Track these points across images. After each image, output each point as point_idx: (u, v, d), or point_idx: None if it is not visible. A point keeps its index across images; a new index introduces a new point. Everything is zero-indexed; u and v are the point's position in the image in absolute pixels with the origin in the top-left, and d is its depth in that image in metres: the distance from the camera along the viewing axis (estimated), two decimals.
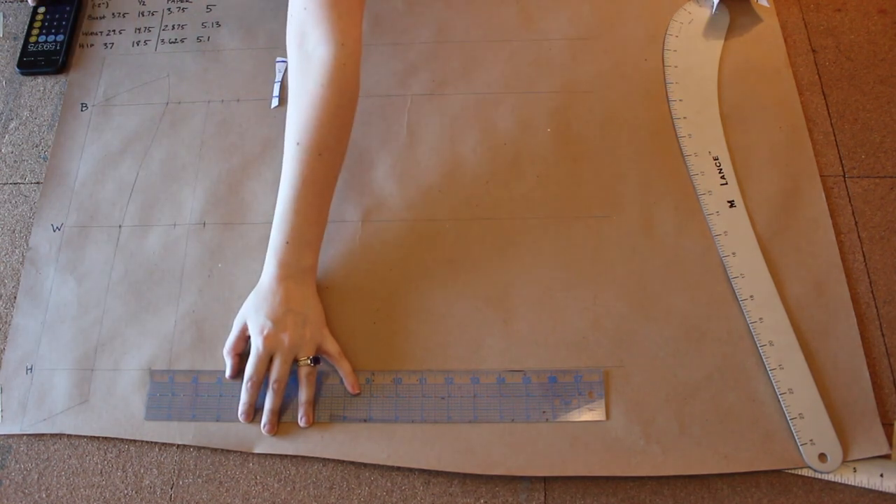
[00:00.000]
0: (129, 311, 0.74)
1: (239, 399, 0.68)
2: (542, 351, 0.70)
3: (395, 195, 0.78)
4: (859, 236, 0.74)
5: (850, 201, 0.75)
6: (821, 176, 0.76)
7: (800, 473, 0.64)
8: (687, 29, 0.85)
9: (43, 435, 0.70)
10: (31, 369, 0.72)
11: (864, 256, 0.73)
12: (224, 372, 0.70)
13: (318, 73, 0.69)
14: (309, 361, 0.68)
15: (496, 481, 0.65)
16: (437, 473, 0.66)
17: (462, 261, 0.74)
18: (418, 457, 0.66)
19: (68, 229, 0.79)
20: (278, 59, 0.86)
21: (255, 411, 0.68)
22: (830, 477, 0.64)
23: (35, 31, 0.90)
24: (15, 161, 0.84)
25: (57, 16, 0.91)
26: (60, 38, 0.90)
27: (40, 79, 0.89)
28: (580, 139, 0.79)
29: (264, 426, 0.67)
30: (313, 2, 0.69)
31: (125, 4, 0.92)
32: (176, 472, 0.67)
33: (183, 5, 0.92)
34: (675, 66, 0.83)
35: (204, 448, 0.68)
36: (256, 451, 0.67)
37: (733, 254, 0.72)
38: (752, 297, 0.70)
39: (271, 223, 0.69)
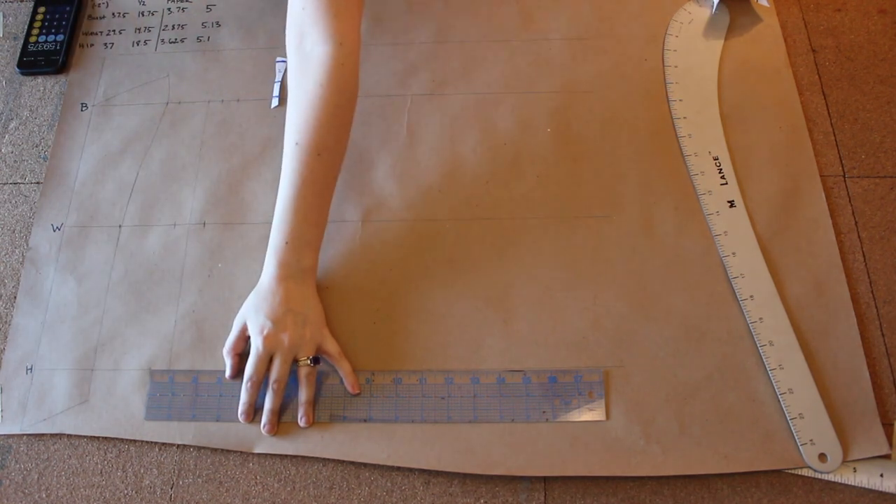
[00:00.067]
0: (129, 311, 0.74)
1: (239, 399, 0.68)
2: (542, 351, 0.70)
3: (395, 195, 0.78)
4: (859, 236, 0.74)
5: (850, 201, 0.75)
6: (821, 176, 0.76)
7: (800, 473, 0.64)
8: (687, 29, 0.85)
9: (43, 435, 0.70)
10: (31, 369, 0.72)
11: (864, 256, 0.73)
12: (224, 372, 0.70)
13: (316, 73, 0.69)
14: (309, 361, 0.68)
15: (496, 481, 0.65)
16: (437, 473, 0.66)
17: (462, 261, 0.74)
18: (418, 457, 0.66)
19: (68, 229, 0.79)
20: (278, 59, 0.86)
21: (255, 411, 0.68)
22: (830, 477, 0.64)
23: (35, 31, 0.91)
24: (15, 161, 0.84)
25: (57, 16, 0.91)
26: (60, 38, 0.90)
27: (40, 79, 0.89)
28: (580, 139, 0.79)
29: (264, 426, 0.67)
30: (311, 2, 0.69)
31: (125, 4, 0.92)
32: (176, 472, 0.67)
33: (183, 5, 0.92)
34: (675, 66, 0.83)
35: (204, 448, 0.68)
36: (256, 451, 0.67)
37: (733, 254, 0.72)
38: (752, 297, 0.70)
39: (271, 223, 0.69)
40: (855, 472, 0.64)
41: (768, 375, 0.67)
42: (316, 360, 0.69)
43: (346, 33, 0.70)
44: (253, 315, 0.68)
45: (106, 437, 0.69)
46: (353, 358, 0.70)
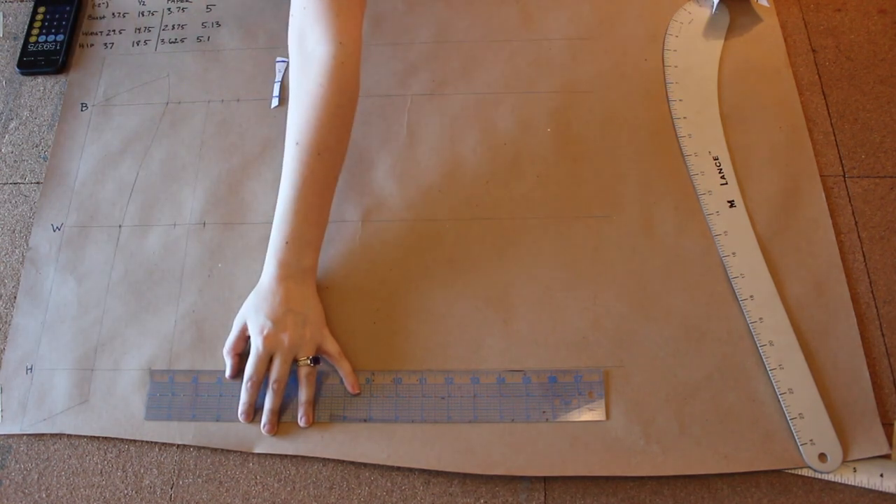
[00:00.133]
0: (129, 311, 0.74)
1: (239, 399, 0.68)
2: (542, 351, 0.70)
3: (395, 195, 0.78)
4: (859, 236, 0.74)
5: (850, 201, 0.75)
6: (821, 176, 0.76)
7: (800, 473, 0.64)
8: (687, 29, 0.85)
9: (43, 435, 0.70)
10: (31, 369, 0.72)
11: (864, 256, 0.73)
12: (224, 372, 0.70)
13: (316, 73, 0.69)
14: (309, 361, 0.68)
15: (496, 481, 0.65)
16: (437, 473, 0.66)
17: (462, 261, 0.74)
18: (418, 457, 0.66)
19: (68, 229, 0.79)
20: (278, 59, 0.86)
21: (255, 411, 0.68)
22: (830, 477, 0.64)
23: (35, 31, 0.91)
24: (15, 161, 0.84)
25: (57, 16, 0.91)
26: (60, 38, 0.90)
27: (40, 79, 0.89)
28: (580, 139, 0.79)
29: (264, 426, 0.67)
30: (313, 2, 0.70)
31: (125, 4, 0.92)
32: (176, 472, 0.67)
33: (183, 5, 0.92)
34: (675, 66, 0.83)
35: (204, 448, 0.68)
36: (256, 451, 0.67)
37: (733, 254, 0.72)
38: (752, 297, 0.70)
39: (271, 223, 0.69)
40: (855, 472, 0.64)
41: (768, 375, 0.67)
42: (316, 360, 0.69)
43: (348, 33, 0.70)
44: (253, 315, 0.68)
45: (106, 437, 0.69)
46: (353, 358, 0.70)
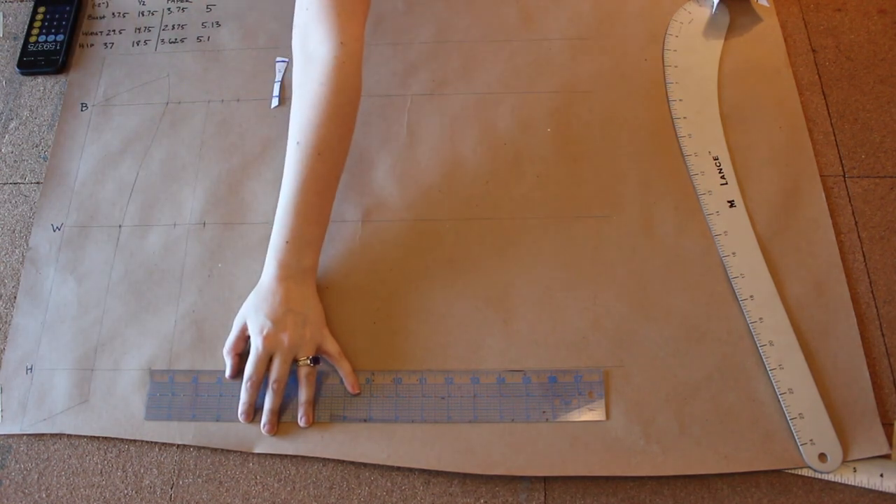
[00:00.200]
0: (129, 311, 0.74)
1: (239, 399, 0.68)
2: (542, 351, 0.70)
3: (395, 195, 0.78)
4: (859, 236, 0.74)
5: (850, 201, 0.75)
6: (821, 176, 0.76)
7: (800, 473, 0.64)
8: (687, 29, 0.85)
9: (43, 435, 0.70)
10: (31, 369, 0.72)
11: (864, 256, 0.73)
12: (224, 372, 0.70)
13: (318, 73, 0.69)
14: (308, 361, 0.68)
15: (496, 481, 0.65)
16: (437, 473, 0.66)
17: (462, 261, 0.74)
18: (418, 457, 0.66)
19: (68, 229, 0.79)
20: (278, 59, 0.86)
21: (254, 411, 0.68)
22: (830, 477, 0.64)
23: (35, 31, 0.91)
24: (15, 161, 0.84)
25: (57, 16, 0.91)
26: (60, 38, 0.90)
27: (40, 79, 0.89)
28: (580, 139, 0.79)
29: (264, 426, 0.67)
30: (315, 3, 0.70)
31: (125, 4, 0.92)
32: (176, 472, 0.67)
33: (183, 5, 0.92)
34: (675, 66, 0.83)
35: (204, 448, 0.68)
36: (256, 451, 0.67)
37: (733, 254, 0.72)
38: (752, 297, 0.70)
39: (271, 223, 0.69)
40: (855, 472, 0.64)
41: (768, 375, 0.67)
42: (316, 360, 0.69)
43: (350, 33, 0.70)
44: (253, 315, 0.68)
45: (106, 437, 0.69)
46: (353, 358, 0.70)
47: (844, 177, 0.77)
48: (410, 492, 0.65)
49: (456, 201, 0.77)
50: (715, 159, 0.77)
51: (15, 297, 0.76)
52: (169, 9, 0.92)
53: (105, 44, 0.90)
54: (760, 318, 0.69)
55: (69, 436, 0.69)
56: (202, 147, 0.82)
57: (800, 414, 0.65)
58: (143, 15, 0.92)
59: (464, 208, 0.77)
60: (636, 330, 0.70)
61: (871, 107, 0.80)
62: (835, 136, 0.79)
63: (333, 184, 0.71)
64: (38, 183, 0.82)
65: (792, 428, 0.65)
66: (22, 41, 0.90)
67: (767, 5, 0.85)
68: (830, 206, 0.75)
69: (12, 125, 0.86)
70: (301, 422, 0.67)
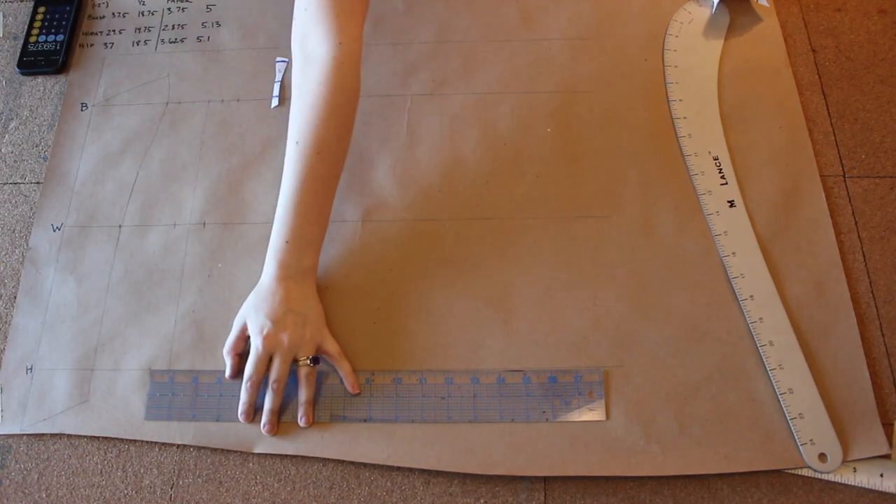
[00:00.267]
0: (129, 311, 0.74)
1: (239, 399, 0.68)
2: (542, 351, 0.70)
3: (395, 195, 0.78)
4: (859, 236, 0.74)
5: (850, 201, 0.75)
6: (821, 176, 0.76)
7: (800, 473, 0.64)
8: (687, 29, 0.85)
9: (43, 435, 0.70)
10: (31, 369, 0.72)
11: (864, 256, 0.73)
12: (224, 372, 0.70)
13: (316, 73, 0.69)
14: (308, 361, 0.68)
15: (496, 481, 0.65)
16: (437, 473, 0.66)
17: (462, 261, 0.74)
18: (418, 457, 0.66)
19: (68, 229, 0.79)
20: (278, 59, 0.86)
21: (254, 411, 0.68)
22: (830, 477, 0.64)
23: (35, 31, 0.91)
24: (15, 161, 0.84)
25: (57, 16, 0.91)
26: (60, 37, 0.90)
27: (40, 79, 0.89)
28: (580, 139, 0.79)
29: (264, 426, 0.67)
30: (313, 3, 0.70)
31: (125, 4, 0.92)
32: (176, 472, 0.67)
33: (183, 5, 0.92)
34: (675, 66, 0.83)
35: (204, 448, 0.68)
36: (256, 451, 0.67)
37: (733, 254, 0.72)
38: (752, 297, 0.70)
39: (271, 223, 0.69)
40: (855, 472, 0.64)
41: (768, 375, 0.67)
42: (316, 360, 0.69)
43: (347, 33, 0.70)
44: (253, 315, 0.68)
45: (106, 437, 0.69)
46: (353, 358, 0.70)
47: (844, 177, 0.77)
48: (410, 492, 0.65)
49: (456, 201, 0.77)
50: (715, 159, 0.77)
51: (15, 297, 0.76)
52: (169, 9, 0.92)
53: (105, 44, 0.90)
54: (760, 318, 0.69)
55: (69, 436, 0.69)
56: (202, 147, 0.82)
57: (800, 414, 0.65)
58: (143, 15, 0.92)
59: (464, 208, 0.77)
60: (636, 330, 0.70)
61: (871, 107, 0.80)
62: (835, 136, 0.79)
63: (333, 183, 0.71)
64: (38, 183, 0.82)
65: (792, 428, 0.65)
66: (22, 41, 0.90)
67: (767, 5, 0.85)
68: (830, 206, 0.75)
69: (12, 125, 0.86)
70: (301, 422, 0.67)
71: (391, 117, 0.82)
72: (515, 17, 0.87)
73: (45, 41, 0.90)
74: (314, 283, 0.71)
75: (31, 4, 0.93)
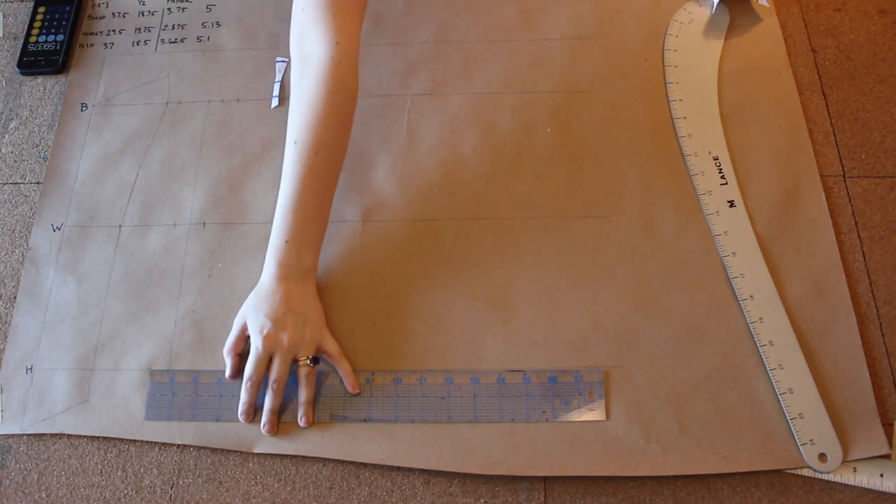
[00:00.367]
0: (129, 311, 0.74)
1: (239, 399, 0.68)
2: (542, 351, 0.70)
3: (395, 195, 0.78)
4: (859, 236, 0.74)
5: (850, 201, 0.75)
6: (821, 176, 0.76)
7: (800, 473, 0.64)
8: (687, 29, 0.85)
9: (43, 435, 0.70)
10: (31, 369, 0.72)
11: (864, 256, 0.73)
12: (224, 372, 0.70)
13: (314, 73, 0.69)
14: (308, 361, 0.68)
15: (496, 481, 0.65)
16: (437, 473, 0.66)
17: (462, 261, 0.74)
18: (418, 457, 0.66)
19: (68, 229, 0.79)
20: (278, 59, 0.86)
21: (254, 411, 0.68)
22: (830, 477, 0.64)
23: (35, 31, 0.91)
24: (15, 161, 0.84)
25: (57, 16, 0.91)
26: (60, 38, 0.90)
27: (40, 79, 0.89)
28: (580, 139, 0.80)
29: (264, 426, 0.67)
30: (311, 3, 0.70)
31: (125, 4, 0.92)
32: (176, 472, 0.67)
33: (183, 5, 0.92)
34: (675, 66, 0.83)
35: (204, 448, 0.68)
36: (256, 451, 0.67)
37: (733, 254, 0.72)
38: (752, 297, 0.70)
39: (271, 223, 0.69)
40: (855, 472, 0.64)
41: (768, 375, 0.67)
42: (316, 360, 0.69)
43: (344, 32, 0.70)
44: (253, 315, 0.68)
45: (106, 437, 0.69)
46: (353, 358, 0.70)
47: (844, 177, 0.77)
48: (410, 492, 0.65)
49: (456, 201, 0.77)
50: (715, 159, 0.77)
51: (15, 297, 0.76)
52: (169, 9, 0.92)
53: (105, 44, 0.90)
54: (760, 318, 0.69)
55: (69, 436, 0.69)
56: (202, 147, 0.82)
57: (800, 414, 0.65)
58: (143, 15, 0.92)
59: (464, 208, 0.77)
60: (636, 330, 0.70)
61: (871, 107, 0.80)
62: (835, 136, 0.79)
63: (332, 183, 0.71)
64: (38, 183, 0.82)
65: (792, 428, 0.65)
66: (22, 41, 0.90)
67: (767, 5, 0.85)
68: (830, 206, 0.75)
69: (12, 125, 0.86)
70: (301, 422, 0.67)
71: (391, 117, 0.82)
72: (515, 17, 0.87)
73: (45, 41, 0.90)
74: (314, 283, 0.71)
75: (31, 4, 0.93)
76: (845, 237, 0.74)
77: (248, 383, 0.67)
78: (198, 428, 0.68)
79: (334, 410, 0.68)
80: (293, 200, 0.68)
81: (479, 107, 0.82)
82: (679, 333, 0.70)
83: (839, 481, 0.64)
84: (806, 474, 0.64)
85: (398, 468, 0.66)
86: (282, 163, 0.70)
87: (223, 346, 0.70)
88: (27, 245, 0.78)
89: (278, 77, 0.85)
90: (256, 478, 0.67)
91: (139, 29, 0.90)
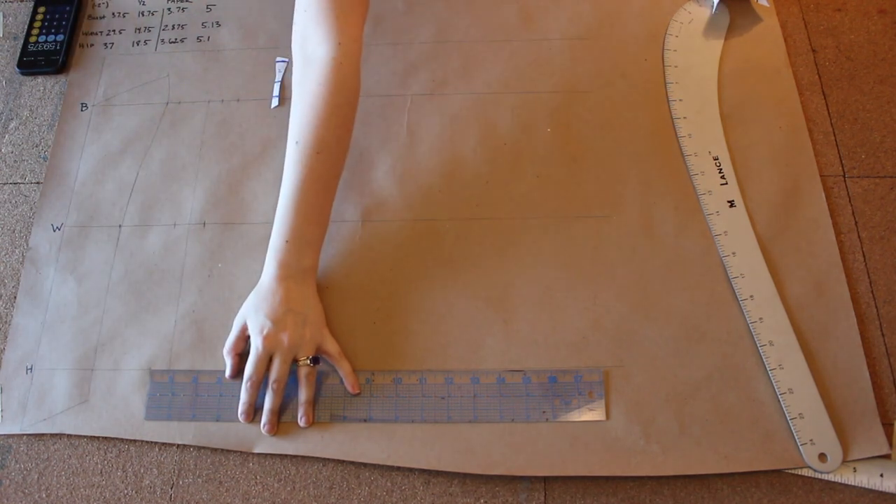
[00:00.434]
0: (129, 311, 0.74)
1: (239, 399, 0.68)
2: (542, 351, 0.70)
3: (395, 195, 0.78)
4: (859, 236, 0.74)
5: (850, 201, 0.75)
6: (821, 176, 0.76)
7: (800, 473, 0.64)
8: (687, 29, 0.85)
9: (43, 435, 0.70)
10: (31, 369, 0.72)
11: (864, 256, 0.73)
12: (224, 372, 0.70)
13: (316, 73, 0.69)
14: (308, 361, 0.68)
15: (496, 481, 0.65)
16: (437, 473, 0.66)
17: (462, 261, 0.74)
18: (418, 457, 0.66)
19: (68, 229, 0.79)
20: (278, 59, 0.86)
21: (254, 411, 0.68)
22: (830, 477, 0.64)
23: (35, 31, 0.91)
24: (15, 161, 0.84)
25: (57, 16, 0.91)
26: (60, 38, 0.90)
27: (40, 79, 0.89)
28: (580, 139, 0.80)
29: (264, 426, 0.67)
30: (313, 4, 0.70)
31: (125, 4, 0.92)
32: (176, 472, 0.67)
33: (183, 5, 0.92)
34: (675, 66, 0.83)
35: (204, 448, 0.68)
36: (256, 451, 0.67)
37: (733, 254, 0.72)
38: (752, 297, 0.70)
39: (271, 223, 0.69)
40: (855, 472, 0.64)
41: (768, 375, 0.67)
42: (316, 360, 0.69)
43: (347, 34, 0.70)
44: (253, 315, 0.68)
45: (106, 437, 0.69)
46: (353, 358, 0.70)
47: (844, 177, 0.77)
48: (410, 492, 0.65)
49: (456, 201, 0.77)
50: (715, 159, 0.77)
51: (15, 297, 0.76)
52: (169, 9, 0.92)
53: (105, 44, 0.90)
54: (760, 318, 0.69)
55: (69, 436, 0.69)
56: (202, 147, 0.82)
57: (800, 414, 0.65)
58: (143, 15, 0.92)
59: (464, 208, 0.77)
60: (636, 330, 0.70)
61: (871, 107, 0.80)
62: (835, 136, 0.79)
63: (333, 183, 0.71)
64: (38, 183, 0.82)
65: (792, 428, 0.65)
66: (22, 41, 0.90)
67: (767, 5, 0.85)
68: (830, 206, 0.75)
69: (12, 125, 0.86)
70: (301, 422, 0.67)
71: (391, 117, 0.82)
72: (515, 17, 0.87)
73: (45, 41, 0.90)
74: (314, 283, 0.71)
75: (31, 4, 0.93)
76: (845, 237, 0.74)
77: (248, 383, 0.67)
78: (198, 428, 0.68)
79: (334, 410, 0.68)
80: (294, 200, 0.68)
81: (479, 107, 0.82)
82: (679, 333, 0.70)
83: (839, 481, 0.64)
84: (806, 474, 0.64)
85: (398, 468, 0.66)
86: (282, 163, 0.70)
87: (223, 346, 0.70)
88: (27, 245, 0.78)
89: (278, 77, 0.85)
90: (256, 478, 0.67)
91: (139, 29, 0.91)
